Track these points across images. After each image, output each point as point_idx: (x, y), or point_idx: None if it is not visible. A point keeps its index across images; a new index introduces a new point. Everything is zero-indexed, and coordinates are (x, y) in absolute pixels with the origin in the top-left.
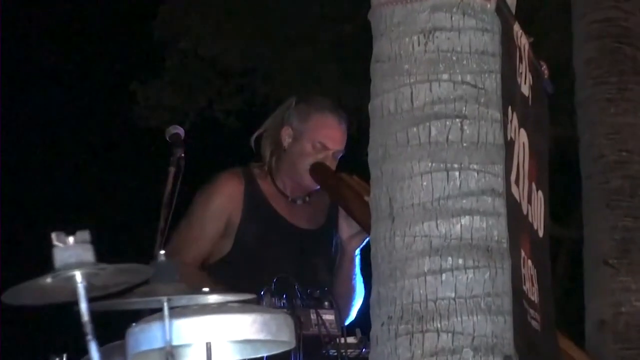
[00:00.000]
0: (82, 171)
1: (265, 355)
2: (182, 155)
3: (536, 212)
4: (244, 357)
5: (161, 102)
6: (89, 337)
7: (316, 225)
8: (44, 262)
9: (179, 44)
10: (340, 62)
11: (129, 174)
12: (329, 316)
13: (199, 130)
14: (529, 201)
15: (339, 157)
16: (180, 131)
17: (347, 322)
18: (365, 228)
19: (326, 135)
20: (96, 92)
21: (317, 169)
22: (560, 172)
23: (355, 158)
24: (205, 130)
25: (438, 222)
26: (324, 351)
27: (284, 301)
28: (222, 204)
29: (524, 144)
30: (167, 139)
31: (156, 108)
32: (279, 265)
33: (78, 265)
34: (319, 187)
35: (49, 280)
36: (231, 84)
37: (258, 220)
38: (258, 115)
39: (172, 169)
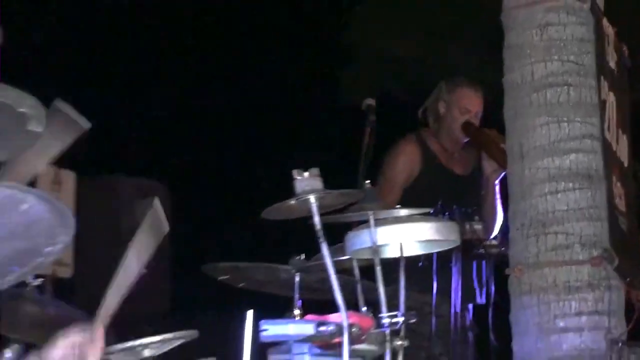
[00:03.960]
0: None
1: (438, 250)
2: (374, 119)
3: (622, 149)
4: (425, 252)
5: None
6: (321, 240)
7: (467, 172)
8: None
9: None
10: (479, 51)
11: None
12: (478, 226)
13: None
14: (617, 142)
15: (479, 116)
16: (373, 102)
17: (491, 233)
18: (502, 166)
19: (467, 102)
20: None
21: (466, 126)
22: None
23: (492, 118)
24: (384, 107)
25: (554, 158)
26: (475, 250)
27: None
28: (405, 161)
29: (612, 102)
30: (363, 108)
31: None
32: (444, 196)
33: (312, 191)
34: (467, 139)
35: (292, 202)
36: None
37: (430, 169)
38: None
39: (368, 129)
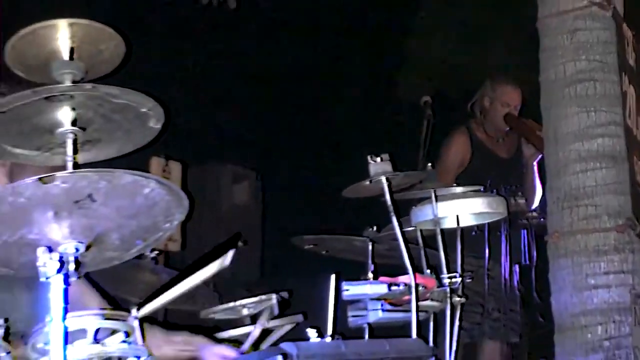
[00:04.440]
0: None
1: (489, 221)
2: (430, 113)
3: None
4: (478, 222)
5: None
6: (392, 214)
7: (510, 155)
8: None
9: None
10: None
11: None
12: (521, 201)
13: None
14: (637, 127)
15: (519, 108)
16: (429, 99)
17: (532, 206)
18: (539, 149)
19: (508, 98)
20: None
21: (508, 117)
22: None
23: (531, 110)
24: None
25: (583, 142)
26: (519, 221)
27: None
28: (457, 148)
29: (632, 94)
30: (421, 104)
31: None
32: (491, 176)
33: (383, 173)
34: (509, 128)
35: (367, 182)
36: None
37: (478, 154)
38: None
39: (425, 121)
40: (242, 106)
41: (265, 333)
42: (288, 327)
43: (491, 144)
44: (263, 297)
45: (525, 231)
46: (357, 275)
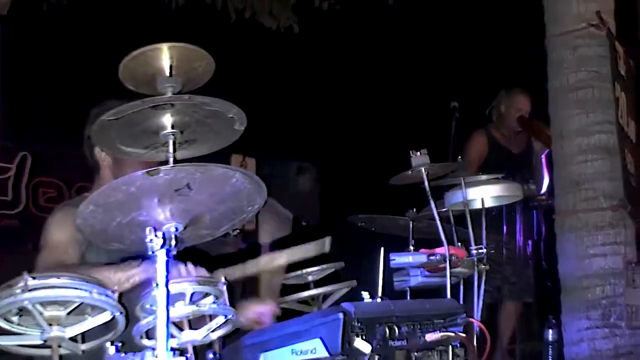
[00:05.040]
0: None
1: (506, 203)
2: (458, 116)
3: (631, 131)
4: (498, 204)
5: None
6: (430, 197)
7: (520, 150)
8: None
9: None
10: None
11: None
12: (532, 186)
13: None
14: (627, 125)
15: (529, 111)
16: (456, 104)
17: (541, 191)
18: (547, 145)
19: (520, 104)
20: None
21: (520, 119)
22: None
23: (541, 112)
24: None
25: (584, 138)
26: (531, 203)
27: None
28: (477, 146)
29: (623, 99)
30: (450, 108)
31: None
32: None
33: (423, 164)
34: (521, 129)
35: (409, 172)
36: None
37: (495, 150)
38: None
39: (453, 123)
40: (302, 112)
41: (326, 296)
42: (344, 291)
43: (505, 141)
44: (324, 266)
45: (536, 212)
46: (401, 248)
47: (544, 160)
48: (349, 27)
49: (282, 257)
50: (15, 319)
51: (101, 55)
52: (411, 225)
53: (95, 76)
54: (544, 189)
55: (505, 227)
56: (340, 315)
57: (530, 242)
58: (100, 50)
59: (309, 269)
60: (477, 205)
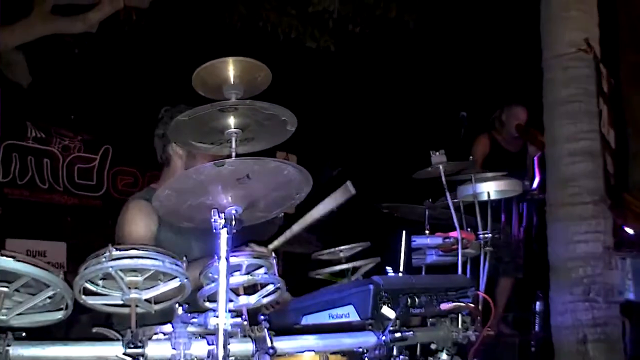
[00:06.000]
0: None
1: (506, 196)
2: (466, 124)
3: (611, 138)
4: (499, 197)
5: None
6: (446, 190)
7: (516, 150)
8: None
9: None
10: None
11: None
12: (527, 183)
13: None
14: (608, 133)
15: (525, 121)
16: (465, 113)
17: (534, 187)
18: (540, 149)
19: (517, 115)
20: None
21: (518, 127)
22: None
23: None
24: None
25: (572, 143)
26: (525, 197)
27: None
28: (482, 147)
29: (605, 111)
30: (459, 117)
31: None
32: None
33: (441, 162)
34: (518, 135)
35: (429, 169)
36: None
37: (496, 150)
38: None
39: (462, 129)
40: (337, 118)
41: (355, 269)
42: (370, 266)
43: (504, 143)
44: (353, 244)
45: (528, 204)
46: (415, 231)
47: (536, 161)
48: (377, 47)
49: (319, 209)
50: (100, 282)
51: (171, 66)
52: (427, 213)
53: (165, 83)
54: (535, 185)
55: (502, 216)
56: (371, 286)
57: (522, 229)
58: (170, 62)
59: (341, 247)
60: (484, 197)
